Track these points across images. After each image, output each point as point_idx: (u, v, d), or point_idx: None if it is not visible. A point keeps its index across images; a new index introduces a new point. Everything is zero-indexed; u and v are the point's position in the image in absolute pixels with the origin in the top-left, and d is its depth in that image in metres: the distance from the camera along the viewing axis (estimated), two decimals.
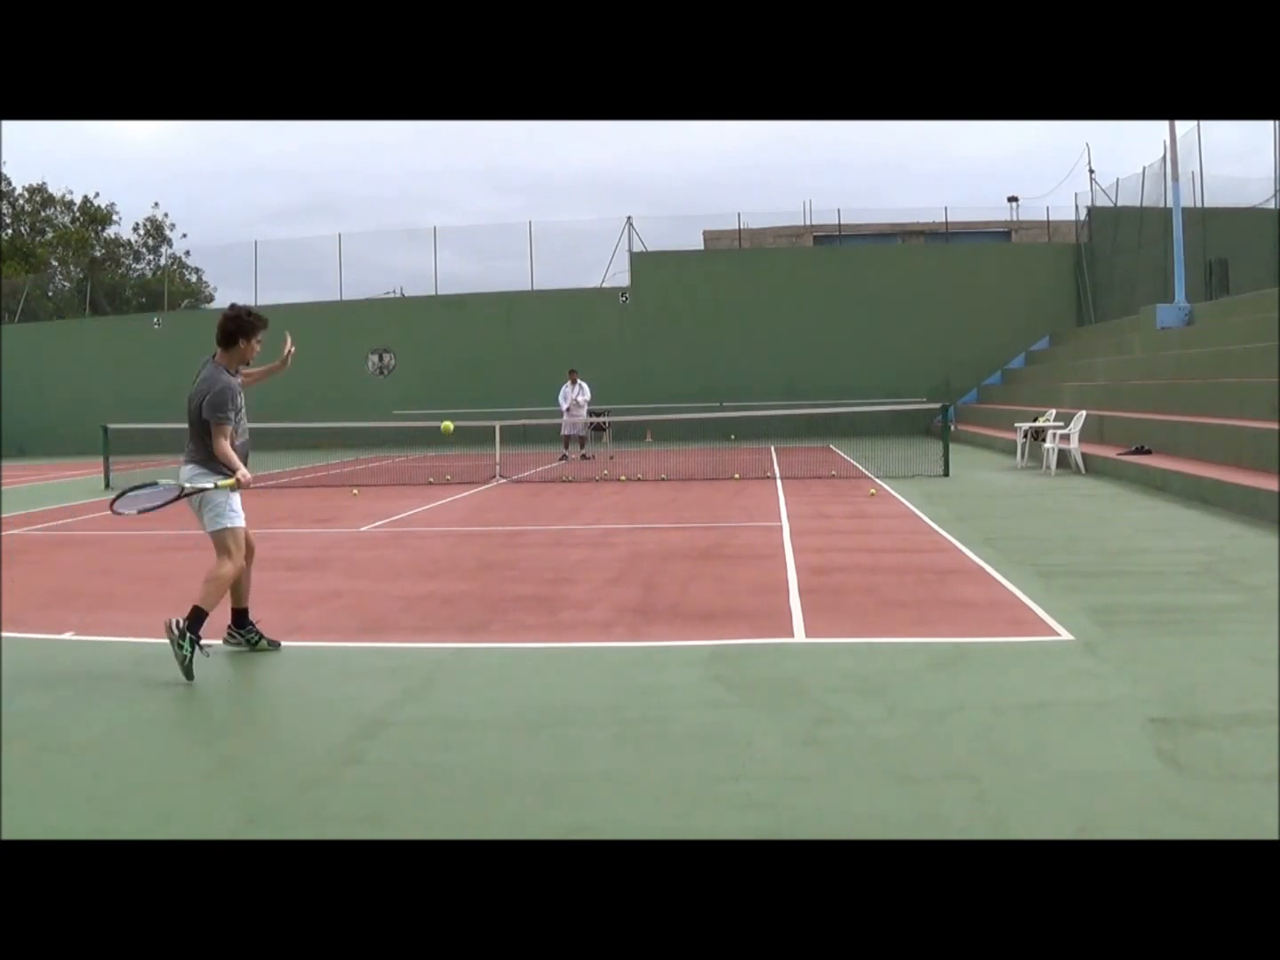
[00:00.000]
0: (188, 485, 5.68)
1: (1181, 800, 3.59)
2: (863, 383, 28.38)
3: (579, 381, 21.78)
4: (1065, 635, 5.88)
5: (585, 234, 33.12)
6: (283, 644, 6.14)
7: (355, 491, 15.81)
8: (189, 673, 5.32)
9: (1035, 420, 17.55)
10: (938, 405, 18.89)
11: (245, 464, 5.78)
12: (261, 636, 6.00)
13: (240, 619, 5.99)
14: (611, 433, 24.58)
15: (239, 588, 5.95)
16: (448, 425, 8.77)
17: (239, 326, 5.77)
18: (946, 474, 15.82)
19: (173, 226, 48.15)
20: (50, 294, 42.66)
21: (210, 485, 5.66)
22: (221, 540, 5.73)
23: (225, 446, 5.61)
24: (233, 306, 5.91)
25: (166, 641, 5.38)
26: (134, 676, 5.62)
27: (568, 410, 21.59)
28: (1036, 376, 26.89)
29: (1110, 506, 11.76)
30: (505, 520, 12.10)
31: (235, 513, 5.87)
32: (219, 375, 5.74)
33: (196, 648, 5.39)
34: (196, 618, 5.48)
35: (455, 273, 44.71)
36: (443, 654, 5.93)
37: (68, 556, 10.05)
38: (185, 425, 5.95)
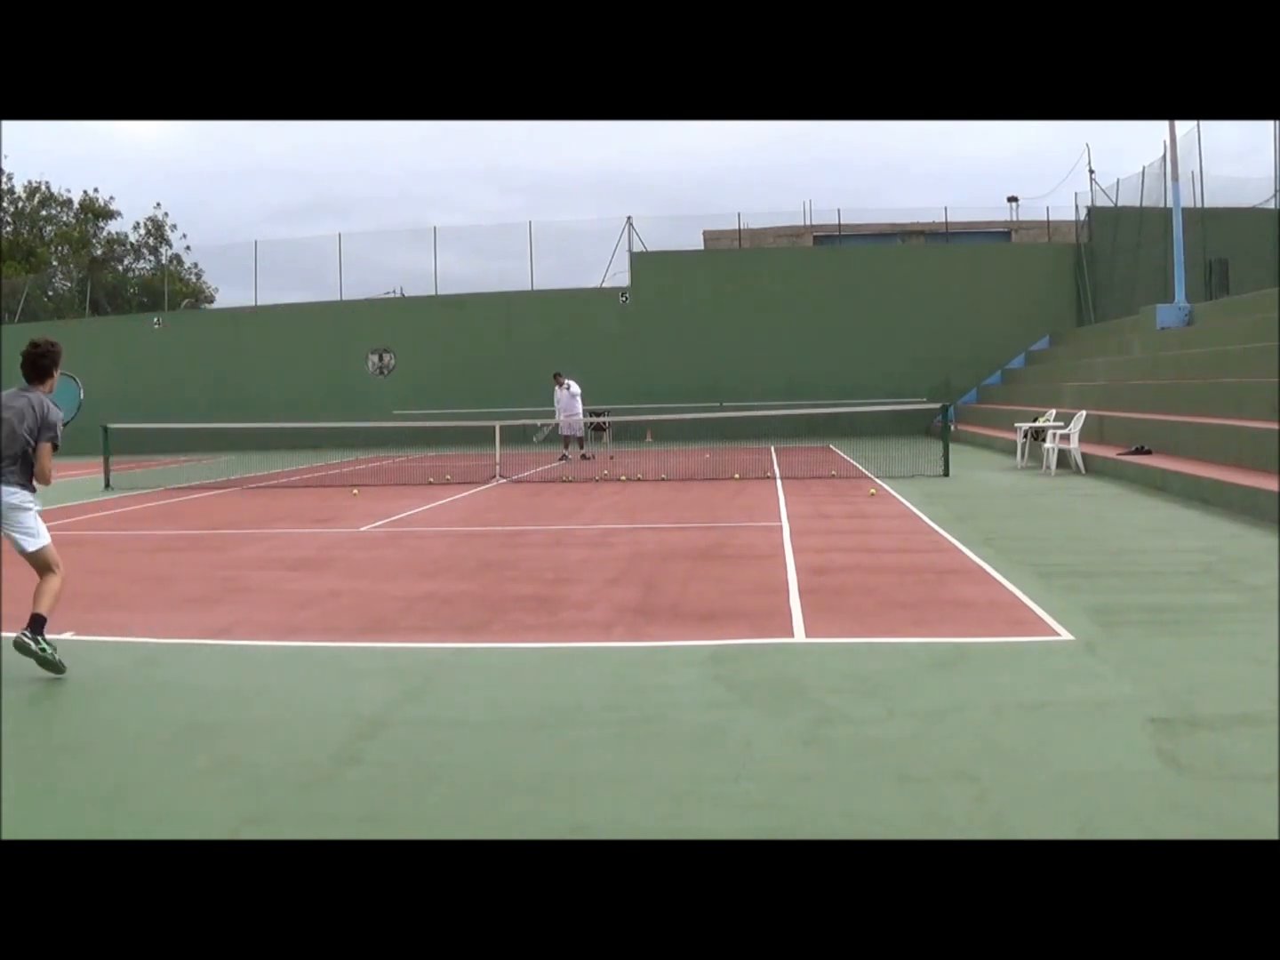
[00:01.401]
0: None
1: (1181, 800, 3.59)
2: (863, 383, 28.37)
3: (565, 381, 21.78)
4: (1065, 635, 5.88)
5: (585, 234, 33.09)
6: (283, 644, 6.14)
7: (355, 491, 15.81)
8: (57, 666, 5.46)
9: (1035, 420, 17.55)
10: (938, 405, 18.89)
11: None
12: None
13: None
14: (611, 433, 24.57)
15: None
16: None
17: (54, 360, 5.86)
18: (946, 474, 15.82)
19: (174, 227, 48.21)
20: (50, 294, 42.65)
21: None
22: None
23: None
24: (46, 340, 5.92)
25: (171, 641, 5.35)
26: (134, 676, 5.62)
27: (561, 414, 21.63)
28: (1036, 376, 26.89)
29: (1110, 506, 11.76)
30: (505, 520, 12.10)
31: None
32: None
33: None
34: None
35: (455, 273, 44.71)
36: (443, 654, 5.93)
37: (68, 556, 10.02)
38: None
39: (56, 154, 63.40)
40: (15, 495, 5.62)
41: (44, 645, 5.49)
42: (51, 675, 5.44)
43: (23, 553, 5.71)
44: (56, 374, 5.91)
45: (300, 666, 5.81)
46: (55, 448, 5.74)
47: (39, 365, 5.82)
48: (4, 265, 39.98)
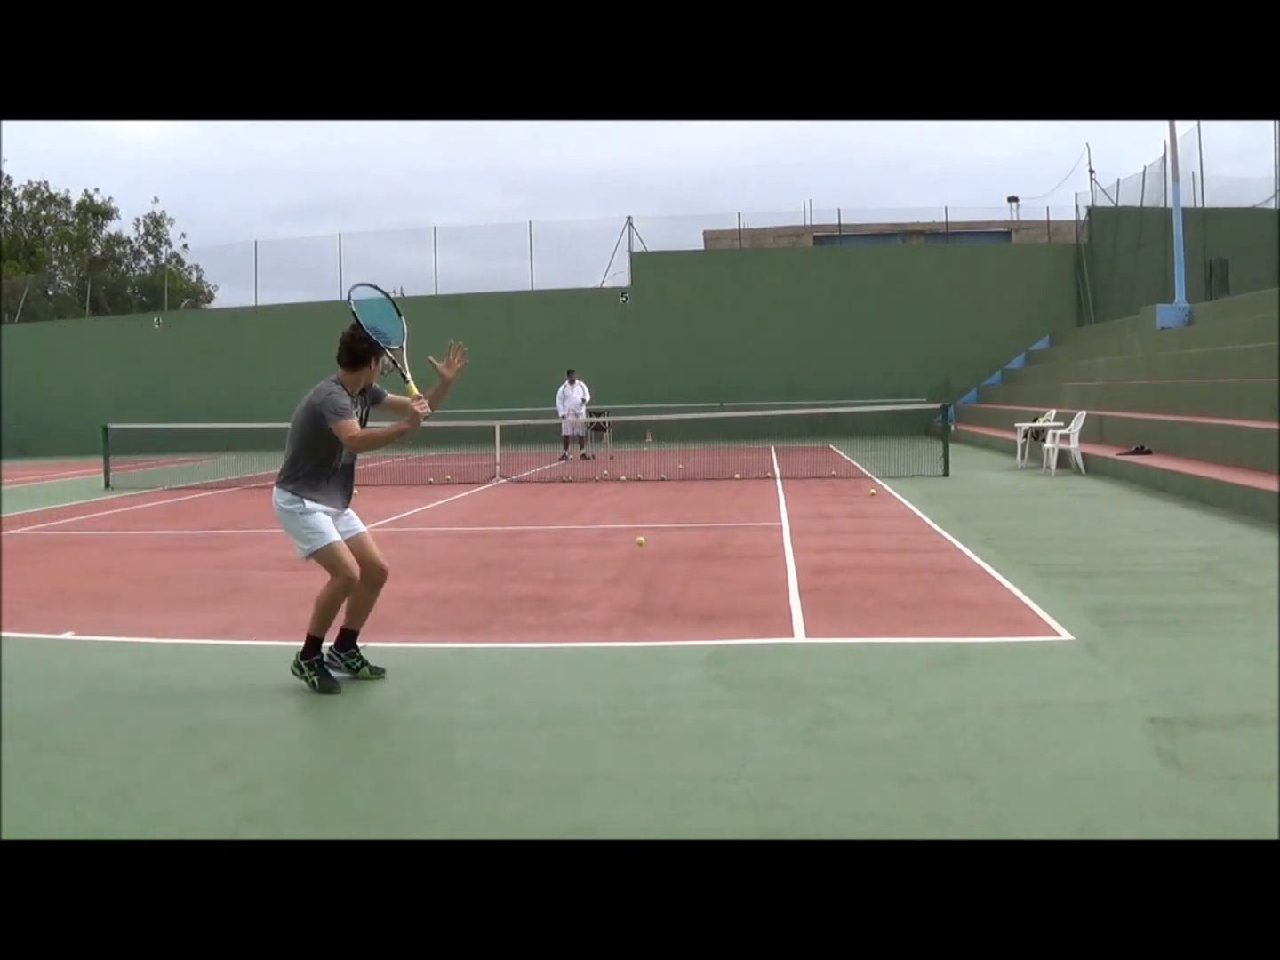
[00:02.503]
0: None
1: (1181, 800, 3.59)
2: (863, 383, 28.38)
3: (578, 381, 21.78)
4: (1065, 635, 5.88)
5: (585, 234, 33.17)
6: (282, 644, 6.13)
7: (355, 491, 15.81)
8: (324, 687, 5.20)
9: (1035, 420, 17.55)
10: (938, 405, 18.89)
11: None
12: (364, 663, 5.51)
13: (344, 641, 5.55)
14: (611, 433, 24.57)
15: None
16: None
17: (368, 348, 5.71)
18: (946, 474, 15.82)
19: (171, 221, 48.21)
20: (50, 294, 42.65)
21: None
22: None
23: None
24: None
25: (171, 641, 5.34)
26: (134, 676, 5.62)
27: (567, 412, 21.59)
28: (1036, 376, 26.89)
29: (1110, 506, 11.76)
30: (505, 520, 12.10)
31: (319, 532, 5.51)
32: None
33: (315, 669, 5.25)
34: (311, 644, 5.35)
35: (455, 273, 44.72)
36: (443, 654, 5.93)
37: (68, 556, 10.05)
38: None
39: (56, 154, 63.45)
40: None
41: (303, 671, 5.22)
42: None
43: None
44: (374, 363, 5.85)
45: None
46: (339, 420, 5.54)
47: (354, 351, 5.75)
48: (4, 265, 39.97)
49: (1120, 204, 27.95)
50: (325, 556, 5.42)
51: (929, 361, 29.31)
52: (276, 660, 5.92)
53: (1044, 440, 16.28)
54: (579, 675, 5.50)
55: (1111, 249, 28.15)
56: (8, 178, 45.29)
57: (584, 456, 21.61)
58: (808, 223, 35.69)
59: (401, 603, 7.32)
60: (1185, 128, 21.68)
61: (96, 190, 47.68)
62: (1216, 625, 6.09)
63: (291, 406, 5.78)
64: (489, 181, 75.55)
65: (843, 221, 34.31)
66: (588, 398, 21.87)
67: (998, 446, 20.56)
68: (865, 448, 20.71)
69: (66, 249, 45.62)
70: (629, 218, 31.85)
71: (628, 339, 30.54)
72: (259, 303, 33.46)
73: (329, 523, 5.46)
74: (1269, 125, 21.02)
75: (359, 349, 5.68)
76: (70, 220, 46.71)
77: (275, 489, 5.46)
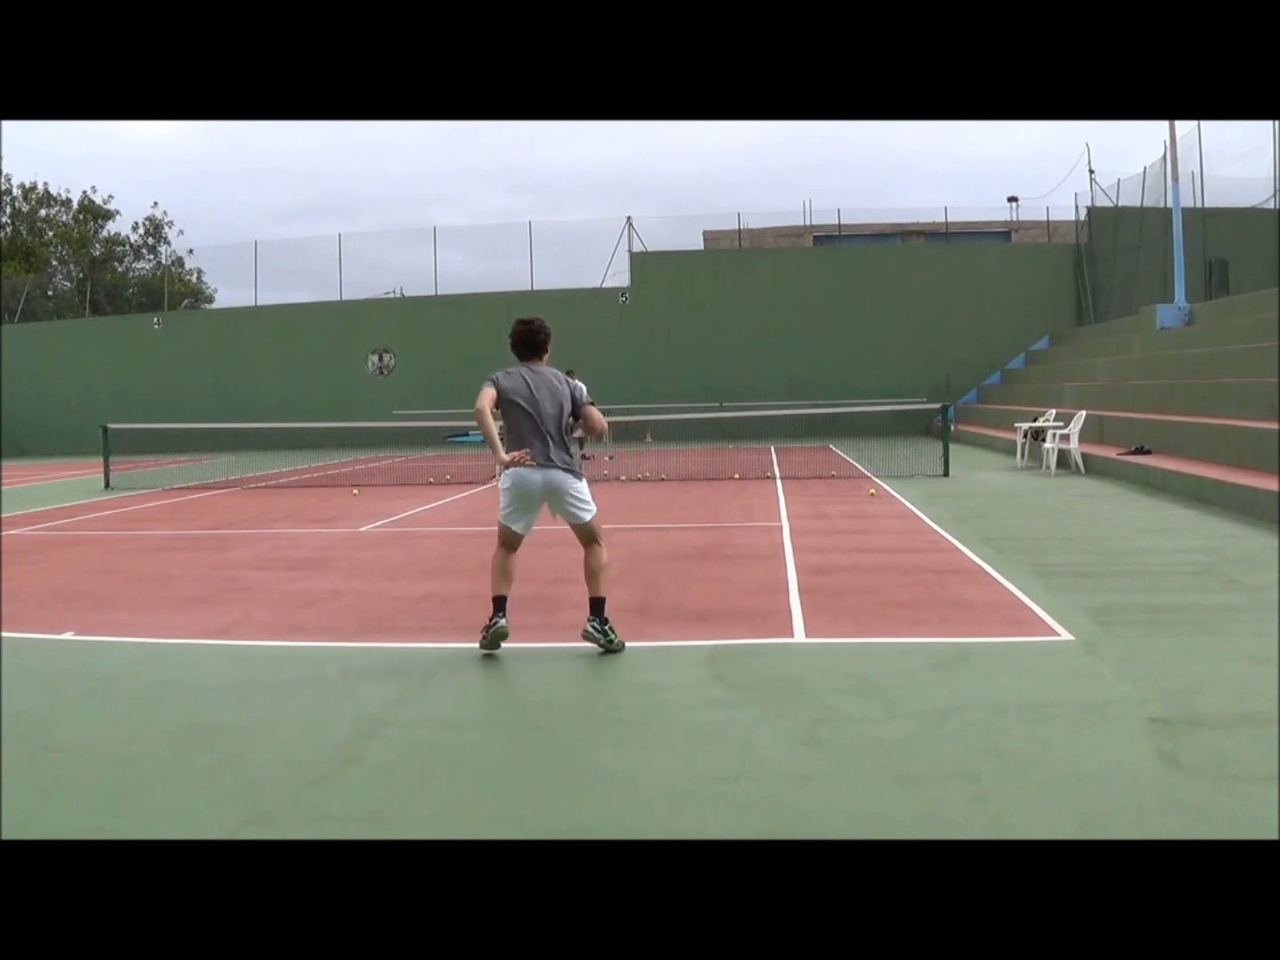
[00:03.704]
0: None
1: (1181, 800, 3.59)
2: (863, 383, 28.38)
3: (576, 381, 21.76)
4: (1065, 635, 5.88)
5: (585, 234, 33.09)
6: (282, 644, 6.13)
7: (355, 491, 15.82)
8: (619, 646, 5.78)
9: (1035, 420, 17.55)
10: (938, 405, 18.89)
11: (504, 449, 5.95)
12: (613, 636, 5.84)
13: (596, 607, 5.90)
14: (611, 433, 24.57)
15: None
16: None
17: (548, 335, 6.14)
18: (946, 474, 15.82)
19: (170, 223, 48.20)
20: (50, 294, 42.65)
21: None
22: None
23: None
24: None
25: (171, 641, 5.37)
26: (134, 676, 5.62)
27: None
28: (1036, 376, 26.89)
29: (1110, 506, 11.76)
30: None
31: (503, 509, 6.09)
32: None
33: (613, 631, 5.80)
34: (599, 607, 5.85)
35: (456, 273, 44.76)
36: (443, 654, 5.93)
37: (68, 556, 10.05)
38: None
39: (56, 154, 63.47)
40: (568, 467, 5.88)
41: (610, 636, 5.76)
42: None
43: (578, 524, 6.00)
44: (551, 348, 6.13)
45: (300, 666, 5.81)
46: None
47: (535, 341, 6.03)
48: (4, 265, 39.97)
49: (1120, 204, 27.95)
50: (599, 519, 6.16)
51: (929, 361, 29.32)
52: (276, 660, 5.93)
53: (1044, 440, 16.29)
54: (579, 675, 5.50)
55: (1111, 249, 28.15)
56: (7, 176, 45.33)
57: (584, 457, 21.60)
58: (808, 223, 35.71)
59: (401, 603, 7.32)
60: (1185, 128, 21.71)
61: (95, 190, 47.73)
62: (1216, 625, 6.09)
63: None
64: (489, 181, 75.63)
65: (843, 221, 34.33)
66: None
67: (997, 446, 20.56)
68: (865, 448, 20.71)
69: (66, 249, 45.59)
70: (629, 218, 31.89)
71: (628, 339, 30.56)
72: (259, 303, 33.46)
73: None
74: (1269, 125, 21.01)
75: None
76: (70, 222, 46.69)
77: (564, 457, 5.93)
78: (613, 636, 5.76)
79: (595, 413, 6.09)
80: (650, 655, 5.81)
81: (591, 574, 5.90)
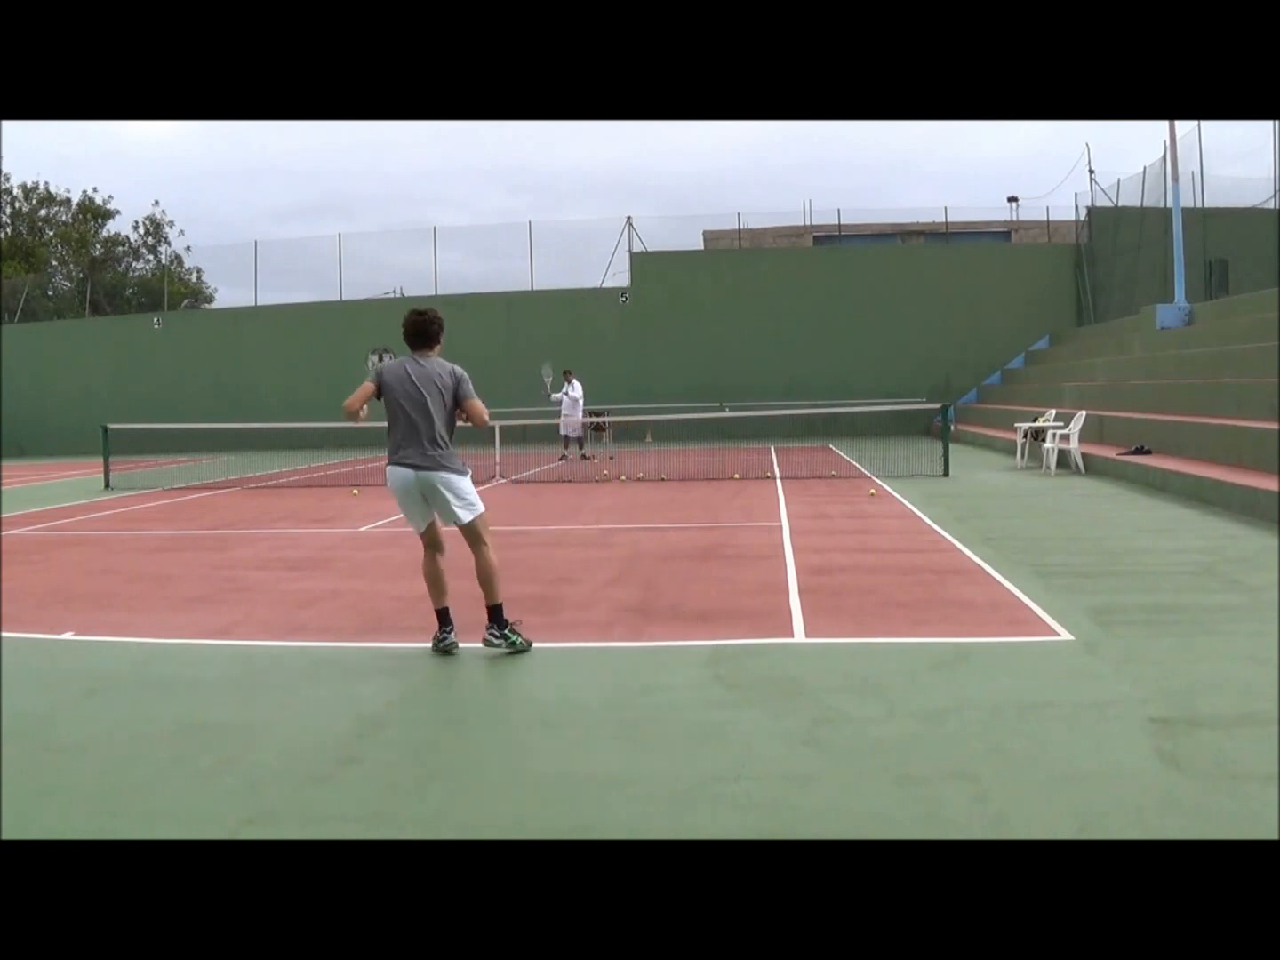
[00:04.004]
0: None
1: (1181, 800, 3.59)
2: (863, 383, 28.39)
3: (573, 380, 21.77)
4: (1065, 635, 5.88)
5: (585, 234, 33.10)
6: (282, 644, 6.13)
7: (355, 491, 15.81)
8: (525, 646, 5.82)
9: (1035, 420, 17.55)
10: (938, 405, 18.89)
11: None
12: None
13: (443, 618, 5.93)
14: (611, 433, 24.58)
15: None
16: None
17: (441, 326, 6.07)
18: (946, 474, 15.82)
19: (171, 223, 48.21)
20: (50, 294, 42.65)
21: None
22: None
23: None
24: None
25: (171, 641, 5.38)
26: (134, 676, 5.62)
27: (565, 412, 21.59)
28: (1036, 376, 26.90)
29: (1110, 506, 11.76)
30: (505, 520, 12.09)
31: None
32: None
33: (514, 633, 5.80)
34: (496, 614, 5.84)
35: (456, 272, 44.77)
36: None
37: (68, 556, 10.05)
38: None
39: (56, 154, 63.51)
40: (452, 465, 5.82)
41: (512, 638, 5.76)
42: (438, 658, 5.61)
43: (459, 526, 5.87)
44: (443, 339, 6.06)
45: (300, 666, 5.81)
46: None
47: (428, 332, 5.95)
48: (4, 265, 39.97)
49: (1120, 204, 27.94)
50: (484, 519, 5.95)
51: (929, 361, 29.32)
52: (276, 660, 5.93)
53: (1044, 440, 16.28)
54: (579, 675, 5.51)
55: (1111, 249, 28.15)
56: (7, 176, 45.33)
57: (584, 457, 21.61)
58: (808, 223, 35.71)
59: (401, 603, 7.32)
60: (1185, 128, 21.71)
61: (95, 190, 47.74)
62: (1216, 625, 6.09)
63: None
64: (489, 181, 75.66)
65: (843, 221, 34.34)
66: (578, 396, 21.82)
67: (998, 446, 20.56)
68: (865, 448, 20.71)
69: (66, 249, 45.60)
70: (629, 218, 31.90)
71: (628, 339, 30.56)
72: (259, 303, 33.46)
73: None
74: (1269, 125, 21.01)
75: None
76: (70, 222, 46.69)
77: (445, 456, 5.83)
78: (514, 638, 5.75)
79: (477, 405, 5.97)
80: (650, 655, 5.81)
81: (484, 580, 5.82)
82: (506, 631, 5.76)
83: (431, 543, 5.94)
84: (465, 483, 5.84)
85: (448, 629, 5.81)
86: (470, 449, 22.14)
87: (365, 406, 5.88)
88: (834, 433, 25.53)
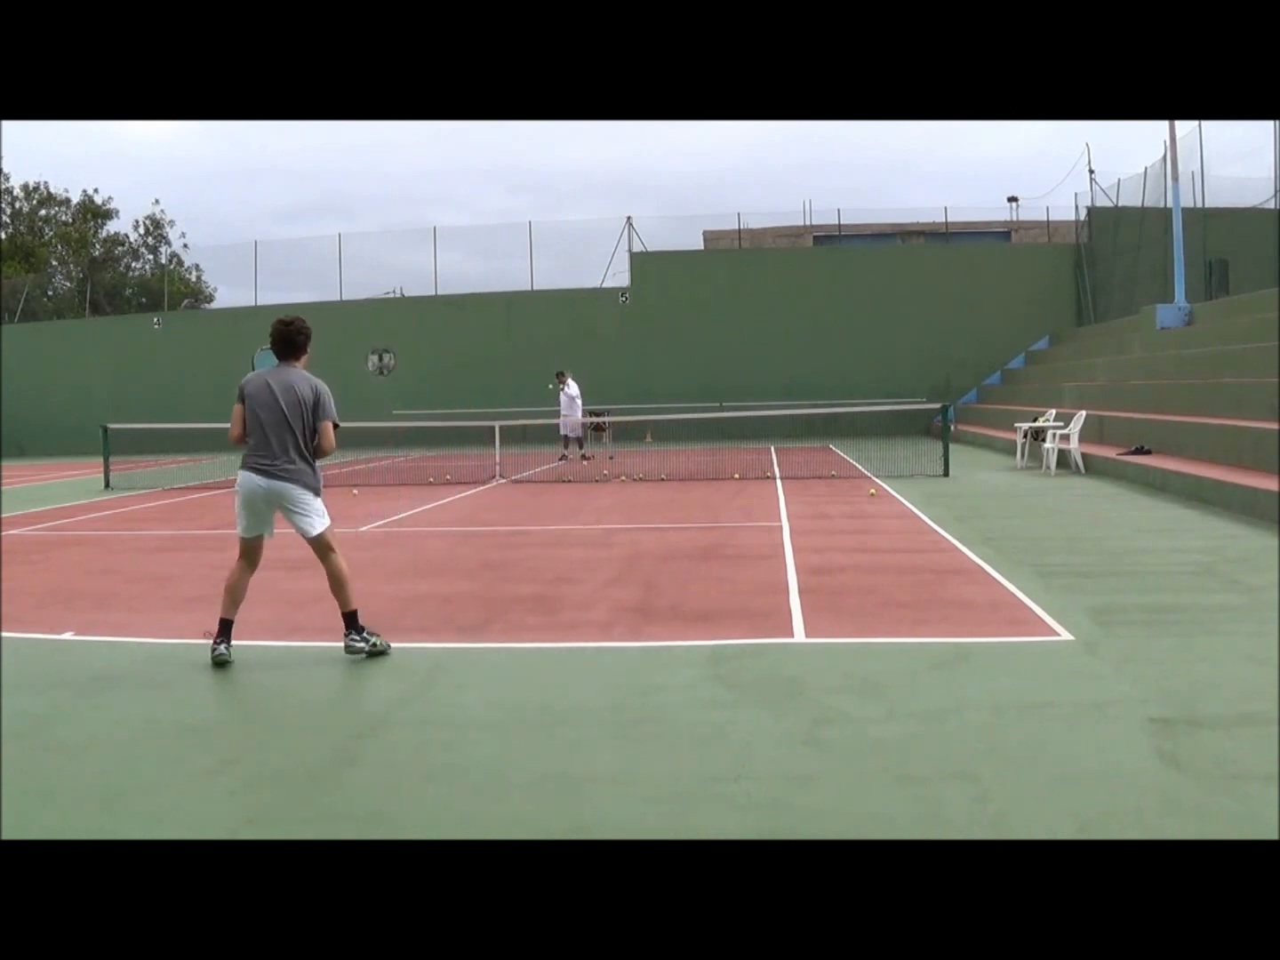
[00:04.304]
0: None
1: (1181, 800, 3.59)
2: (863, 383, 28.37)
3: (566, 381, 21.76)
4: (1065, 635, 5.88)
5: (585, 234, 33.10)
6: (282, 644, 6.13)
7: (355, 491, 15.81)
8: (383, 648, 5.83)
9: (1035, 420, 17.55)
10: (938, 405, 18.89)
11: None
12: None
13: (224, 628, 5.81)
14: (611, 433, 24.57)
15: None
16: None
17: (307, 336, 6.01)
18: (946, 474, 15.82)
19: (171, 223, 48.21)
20: (50, 294, 42.65)
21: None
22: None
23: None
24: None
25: (171, 641, 5.39)
26: (134, 676, 5.62)
27: (564, 411, 21.60)
28: (1036, 376, 26.89)
29: (1110, 506, 11.76)
30: (505, 520, 12.10)
31: (237, 515, 5.96)
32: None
33: (372, 634, 5.83)
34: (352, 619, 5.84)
35: (456, 273, 44.75)
36: (443, 654, 5.93)
37: (68, 556, 10.05)
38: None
39: (56, 154, 63.50)
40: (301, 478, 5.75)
41: (370, 641, 5.78)
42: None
43: (307, 538, 5.85)
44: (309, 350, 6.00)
45: (300, 666, 5.81)
46: (336, 425, 5.90)
47: (294, 342, 5.90)
48: (4, 265, 39.97)
49: (1120, 204, 27.94)
50: (332, 530, 5.94)
51: (929, 361, 29.31)
52: (276, 660, 5.93)
53: (1044, 440, 16.28)
54: (579, 675, 5.50)
55: (1111, 249, 28.15)
56: (7, 175, 45.33)
57: (584, 457, 21.61)
58: (808, 223, 35.70)
59: (401, 603, 7.32)
60: (1185, 128, 21.70)
61: (96, 191, 47.73)
62: (1216, 625, 6.09)
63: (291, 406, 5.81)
64: (489, 181, 75.67)
65: (843, 221, 34.32)
66: (575, 394, 21.82)
67: (998, 446, 20.56)
68: (865, 448, 20.70)
69: (66, 249, 45.60)
70: (629, 218, 31.88)
71: (628, 339, 30.55)
72: (259, 303, 33.45)
73: None
74: (1269, 125, 21.01)
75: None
76: (70, 222, 46.70)
77: (298, 470, 5.77)
78: (373, 640, 5.77)
79: (328, 429, 5.86)
80: (650, 655, 5.81)
81: (338, 588, 5.81)
82: (365, 634, 5.76)
83: (249, 554, 5.89)
84: (315, 500, 5.82)
85: (224, 640, 5.68)
86: (470, 449, 22.24)
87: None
88: (834, 433, 25.52)
